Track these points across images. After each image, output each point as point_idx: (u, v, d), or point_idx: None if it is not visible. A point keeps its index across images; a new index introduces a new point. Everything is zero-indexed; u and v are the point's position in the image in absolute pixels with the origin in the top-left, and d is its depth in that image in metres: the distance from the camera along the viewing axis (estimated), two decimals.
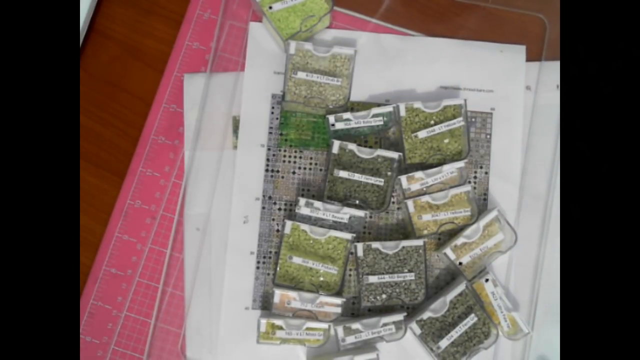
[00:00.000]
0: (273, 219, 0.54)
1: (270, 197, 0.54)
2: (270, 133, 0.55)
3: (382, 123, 0.53)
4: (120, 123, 0.56)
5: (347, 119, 0.53)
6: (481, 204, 0.54)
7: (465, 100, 0.53)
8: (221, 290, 0.53)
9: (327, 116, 0.53)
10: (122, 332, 0.53)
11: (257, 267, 0.54)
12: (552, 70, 0.56)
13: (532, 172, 0.55)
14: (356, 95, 0.55)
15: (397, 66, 0.56)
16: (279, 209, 0.54)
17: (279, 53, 0.55)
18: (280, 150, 0.55)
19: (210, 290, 0.53)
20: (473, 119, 0.55)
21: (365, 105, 0.55)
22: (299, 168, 0.55)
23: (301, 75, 0.52)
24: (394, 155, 0.52)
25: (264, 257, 0.54)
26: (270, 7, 0.53)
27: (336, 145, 0.52)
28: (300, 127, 0.55)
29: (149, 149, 0.55)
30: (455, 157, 0.53)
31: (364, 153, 0.52)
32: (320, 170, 0.55)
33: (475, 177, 0.55)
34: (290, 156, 0.55)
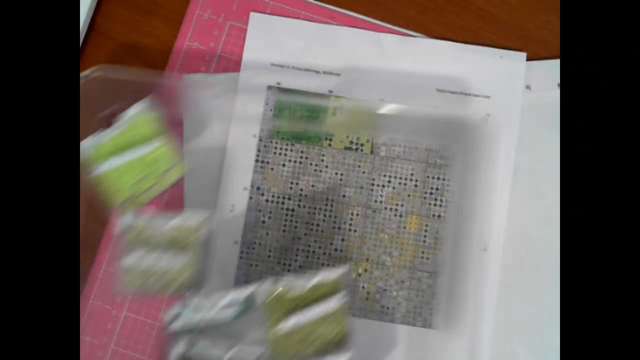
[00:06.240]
0: (259, 210, 0.54)
1: (258, 188, 0.54)
2: (263, 124, 0.55)
3: (237, 313, 0.46)
4: None
5: (187, 315, 0.45)
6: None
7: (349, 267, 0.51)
8: None
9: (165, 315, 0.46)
10: (122, 332, 0.53)
11: (241, 257, 0.53)
12: (552, 70, 0.56)
13: (532, 172, 0.55)
14: (352, 94, 0.55)
15: (395, 67, 0.56)
16: (267, 201, 0.54)
17: (277, 45, 0.55)
18: (271, 142, 0.55)
19: None
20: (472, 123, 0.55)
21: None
22: (289, 161, 0.55)
23: (133, 257, 0.46)
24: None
25: (248, 247, 0.54)
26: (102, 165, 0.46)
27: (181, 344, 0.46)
28: (293, 120, 0.55)
29: None
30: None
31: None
32: (310, 165, 0.54)
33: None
34: (281, 148, 0.55)
